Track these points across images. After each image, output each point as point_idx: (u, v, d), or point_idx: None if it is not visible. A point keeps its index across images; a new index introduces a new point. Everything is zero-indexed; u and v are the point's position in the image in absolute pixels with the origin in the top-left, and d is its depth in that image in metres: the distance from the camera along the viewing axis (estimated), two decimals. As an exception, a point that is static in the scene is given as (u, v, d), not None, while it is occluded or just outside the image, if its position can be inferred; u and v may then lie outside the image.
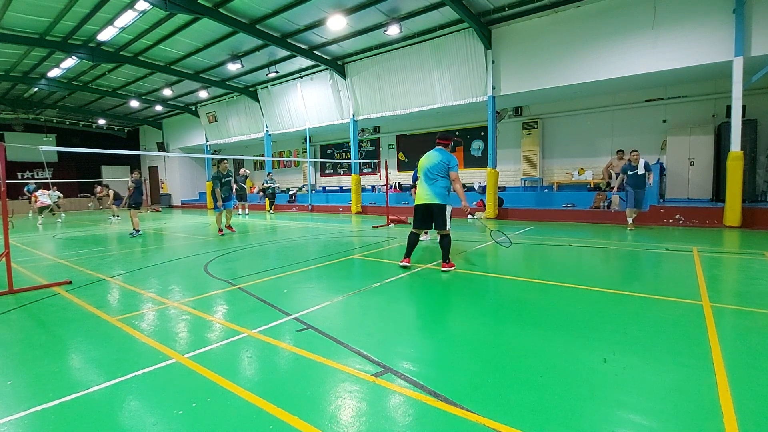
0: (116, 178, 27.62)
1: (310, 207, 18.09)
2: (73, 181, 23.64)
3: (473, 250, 6.92)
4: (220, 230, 9.80)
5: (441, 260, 5.37)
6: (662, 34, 9.43)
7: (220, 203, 9.32)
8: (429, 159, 5.32)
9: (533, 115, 13.90)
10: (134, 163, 29.33)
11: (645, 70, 9.77)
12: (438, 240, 5.46)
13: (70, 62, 15.28)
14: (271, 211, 18.23)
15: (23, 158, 23.63)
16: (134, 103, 21.25)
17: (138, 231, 10.20)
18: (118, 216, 16.00)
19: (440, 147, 5.41)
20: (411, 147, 17.32)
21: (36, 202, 15.42)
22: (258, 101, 19.04)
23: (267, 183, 18.27)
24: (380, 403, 2.18)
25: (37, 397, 2.32)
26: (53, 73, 16.76)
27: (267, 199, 18.31)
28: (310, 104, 17.05)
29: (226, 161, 9.56)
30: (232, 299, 4.28)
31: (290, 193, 20.14)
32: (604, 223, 10.52)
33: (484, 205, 12.67)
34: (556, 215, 11.47)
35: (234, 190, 9.74)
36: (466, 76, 12.53)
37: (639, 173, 8.73)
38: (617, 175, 11.60)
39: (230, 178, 9.59)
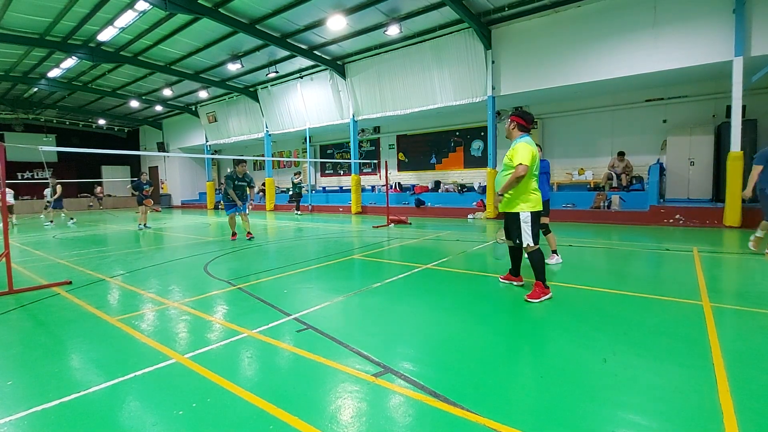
0: (116, 179, 27.69)
1: (310, 207, 18.09)
2: (72, 181, 23.65)
3: (473, 251, 6.92)
4: (234, 234, 9.00)
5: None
6: (662, 34, 9.44)
7: (239, 203, 8.58)
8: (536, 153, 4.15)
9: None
10: (134, 163, 29.35)
11: (645, 70, 9.77)
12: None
13: (70, 62, 15.29)
14: (298, 212, 16.98)
15: (23, 158, 23.63)
16: (134, 103, 21.27)
17: (147, 226, 11.51)
18: (52, 221, 14.55)
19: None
20: (411, 147, 17.32)
21: None
22: (258, 101, 19.05)
23: (295, 182, 16.95)
24: (380, 404, 2.18)
25: (37, 398, 2.32)
26: (53, 73, 16.77)
27: (294, 200, 17.13)
28: (310, 104, 17.05)
29: (245, 163, 8.65)
30: (232, 299, 4.28)
31: (290, 193, 20.14)
32: (604, 223, 10.53)
33: (484, 205, 12.68)
34: (556, 215, 11.45)
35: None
36: (466, 76, 12.53)
37: None
38: (617, 176, 11.63)
39: (245, 183, 8.63)
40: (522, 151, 3.87)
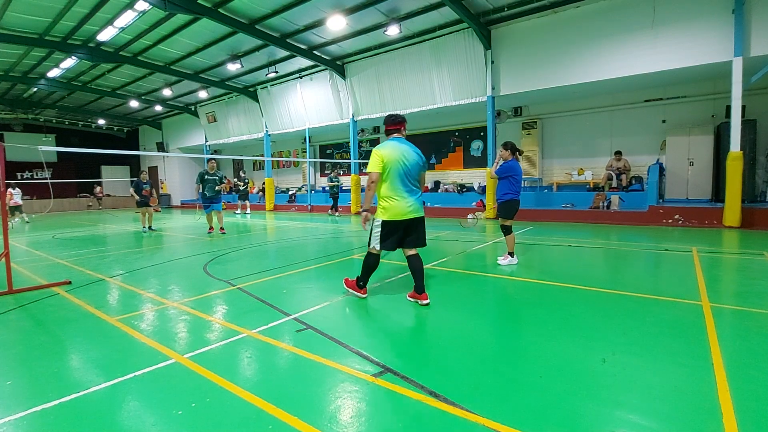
0: (116, 179, 27.68)
1: (309, 207, 18.09)
2: (72, 181, 23.66)
3: (472, 251, 6.92)
4: (210, 228, 10.12)
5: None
6: (662, 34, 9.44)
7: (197, 195, 9.72)
8: (407, 155, 3.83)
9: (533, 115, 13.90)
10: (134, 163, 29.33)
11: (644, 71, 9.78)
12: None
13: (69, 62, 15.27)
14: (337, 213, 15.76)
15: (23, 158, 23.60)
16: (134, 103, 21.25)
17: (152, 228, 11.36)
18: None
19: (402, 136, 4.00)
20: (411, 147, 17.27)
21: (10, 200, 13.96)
22: (258, 101, 19.04)
23: (333, 181, 15.83)
24: (380, 404, 2.18)
25: (37, 398, 2.31)
26: (53, 73, 16.75)
27: (332, 199, 15.92)
28: (309, 104, 17.05)
29: (213, 161, 9.80)
30: (232, 299, 4.28)
31: (290, 193, 20.14)
32: (603, 223, 10.53)
33: (484, 205, 12.68)
34: (556, 215, 11.47)
35: (227, 190, 9.76)
36: (465, 76, 12.53)
37: None
38: (617, 176, 11.64)
39: (215, 178, 9.67)
40: (371, 159, 3.79)
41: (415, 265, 3.91)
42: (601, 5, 10.16)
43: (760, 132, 10.16)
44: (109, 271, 5.89)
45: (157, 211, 12.53)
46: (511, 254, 5.64)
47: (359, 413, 2.09)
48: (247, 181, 17.94)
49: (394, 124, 3.96)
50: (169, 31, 13.26)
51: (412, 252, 3.95)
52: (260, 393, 2.29)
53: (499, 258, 5.76)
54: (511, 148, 5.55)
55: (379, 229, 3.86)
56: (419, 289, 3.89)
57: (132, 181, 11.56)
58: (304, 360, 2.73)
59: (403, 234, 3.88)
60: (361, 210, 3.84)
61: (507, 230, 5.63)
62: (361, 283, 4.12)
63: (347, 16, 11.64)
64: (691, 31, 9.13)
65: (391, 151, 3.77)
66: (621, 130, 12.44)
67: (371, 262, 4.03)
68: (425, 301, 3.84)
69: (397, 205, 3.78)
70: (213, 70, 16.91)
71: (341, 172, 17.80)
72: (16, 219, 14.86)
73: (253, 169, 24.40)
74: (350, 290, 4.19)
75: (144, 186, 11.02)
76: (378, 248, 3.92)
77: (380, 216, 3.84)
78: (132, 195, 11.15)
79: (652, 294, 4.06)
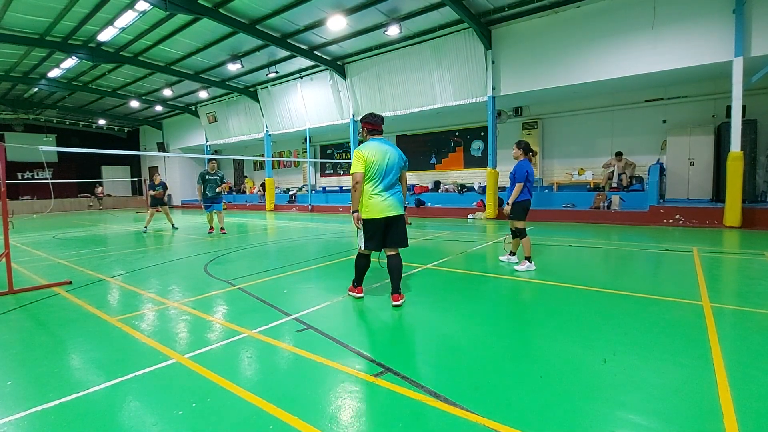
0: (116, 179, 27.70)
1: (310, 207, 18.10)
2: (72, 181, 23.69)
3: (472, 251, 6.92)
4: (211, 228, 10.21)
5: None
6: (662, 34, 9.44)
7: (200, 196, 9.75)
8: (389, 154, 3.86)
9: (533, 115, 13.90)
10: (134, 163, 29.34)
11: (645, 71, 9.77)
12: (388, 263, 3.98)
13: (70, 62, 15.29)
14: None
15: (23, 158, 23.63)
16: (134, 104, 21.27)
17: (145, 229, 11.30)
18: None
19: (382, 136, 4.05)
20: (411, 147, 17.30)
21: None
22: (258, 101, 19.05)
23: None
24: (380, 404, 2.18)
25: (37, 398, 2.32)
26: (53, 73, 16.78)
27: None
28: (310, 104, 17.06)
29: (213, 161, 9.81)
30: (232, 299, 4.28)
31: (290, 193, 20.15)
32: (604, 223, 10.52)
33: (484, 206, 12.67)
34: (556, 215, 11.46)
35: (227, 190, 9.76)
36: (465, 76, 12.53)
37: None
38: (619, 176, 11.64)
39: (216, 177, 9.72)
40: (353, 160, 3.84)
41: (394, 265, 3.92)
42: (601, 5, 10.16)
43: (760, 132, 10.16)
44: (110, 271, 5.90)
45: (157, 211, 12.52)
46: (528, 259, 5.28)
47: (359, 413, 2.09)
48: (225, 181, 18.14)
49: (374, 124, 3.98)
50: (170, 31, 13.27)
51: (392, 252, 3.96)
52: (261, 393, 2.30)
53: (516, 266, 5.36)
54: (524, 147, 5.35)
55: (362, 229, 3.89)
56: (394, 290, 3.92)
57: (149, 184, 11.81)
58: (304, 360, 2.73)
59: (385, 232, 3.89)
60: (351, 211, 3.85)
61: (521, 233, 5.34)
62: (355, 284, 4.20)
63: (347, 17, 11.64)
64: (691, 31, 9.12)
65: (371, 152, 3.81)
66: (621, 130, 12.44)
67: (361, 263, 4.10)
68: (397, 302, 3.86)
69: (376, 203, 3.81)
70: (213, 71, 16.92)
71: None
72: None
73: (254, 169, 24.42)
74: (349, 294, 4.27)
75: (157, 188, 11.29)
76: (363, 248, 3.95)
77: (363, 215, 3.86)
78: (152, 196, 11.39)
79: (652, 294, 4.05)
